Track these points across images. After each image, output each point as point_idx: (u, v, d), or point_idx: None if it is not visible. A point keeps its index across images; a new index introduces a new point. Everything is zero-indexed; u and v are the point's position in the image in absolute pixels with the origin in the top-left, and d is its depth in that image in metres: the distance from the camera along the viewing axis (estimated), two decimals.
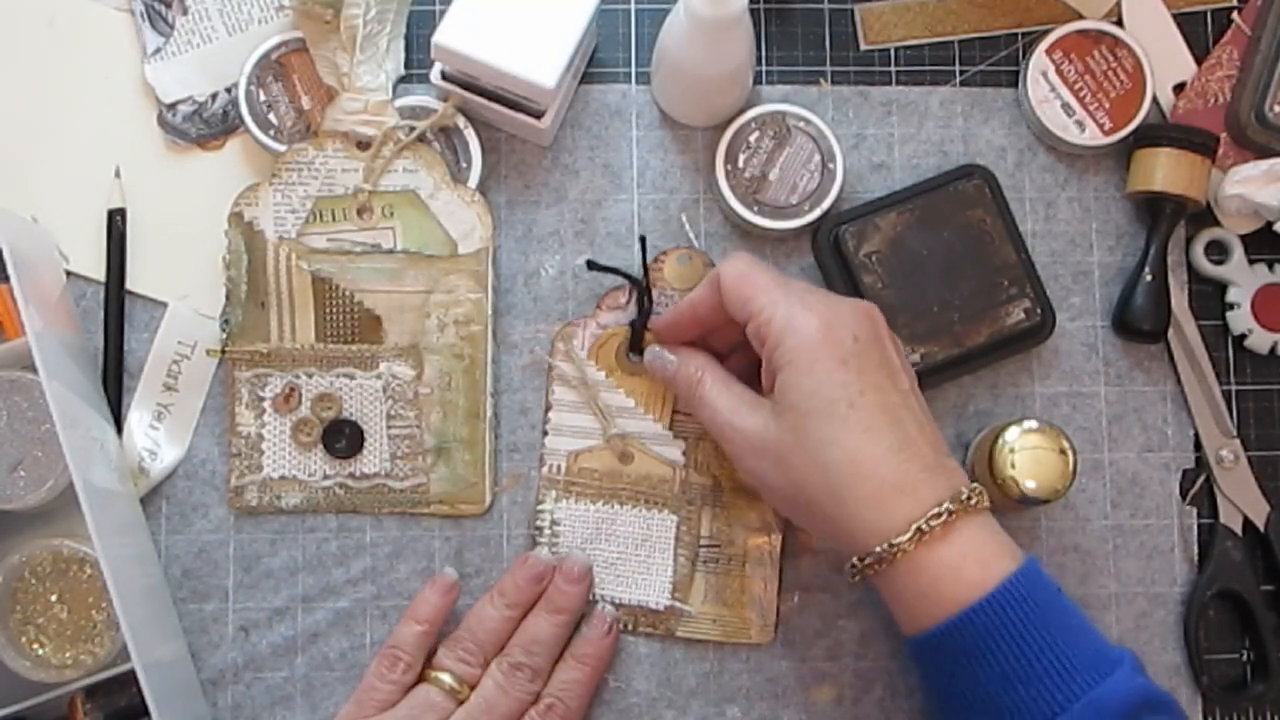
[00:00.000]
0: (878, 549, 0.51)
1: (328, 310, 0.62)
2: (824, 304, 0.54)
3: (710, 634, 0.62)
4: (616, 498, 0.62)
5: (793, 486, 0.53)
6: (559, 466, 0.62)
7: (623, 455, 0.62)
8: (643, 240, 0.62)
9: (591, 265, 0.63)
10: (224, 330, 0.62)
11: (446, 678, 0.58)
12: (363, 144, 0.62)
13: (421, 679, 0.59)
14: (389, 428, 0.62)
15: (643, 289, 0.62)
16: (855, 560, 0.52)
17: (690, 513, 0.62)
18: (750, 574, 0.62)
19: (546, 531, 0.62)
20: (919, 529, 0.51)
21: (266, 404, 0.62)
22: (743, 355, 0.59)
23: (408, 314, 0.62)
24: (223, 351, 0.62)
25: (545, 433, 0.62)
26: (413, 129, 0.62)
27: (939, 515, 0.51)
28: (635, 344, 0.62)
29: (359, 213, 0.61)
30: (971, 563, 0.51)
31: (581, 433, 0.62)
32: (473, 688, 0.59)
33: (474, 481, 0.62)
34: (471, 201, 0.62)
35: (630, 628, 0.62)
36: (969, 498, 0.52)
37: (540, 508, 0.62)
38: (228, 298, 0.62)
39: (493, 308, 0.62)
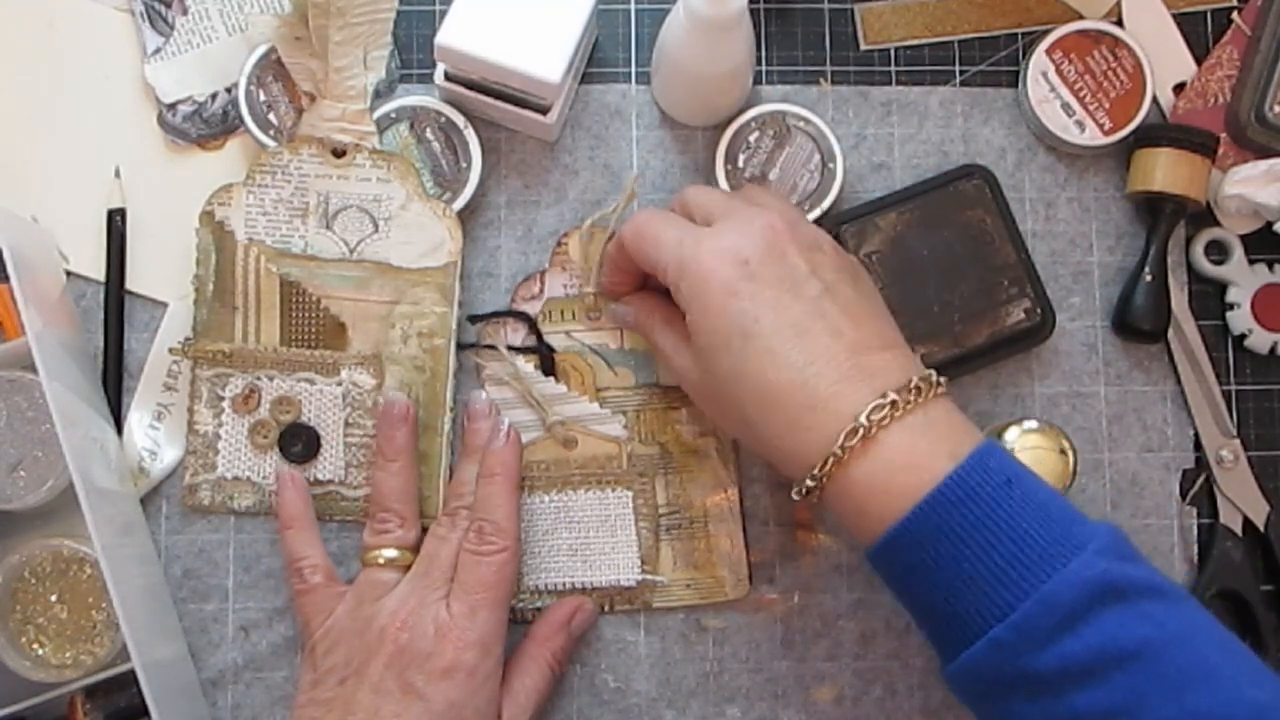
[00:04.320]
0: (805, 483, 0.50)
1: (293, 314, 0.62)
2: (715, 236, 0.53)
3: (686, 599, 0.62)
4: (569, 484, 0.62)
5: (725, 421, 0.55)
6: None
7: (566, 441, 0.62)
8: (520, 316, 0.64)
9: (474, 319, 0.63)
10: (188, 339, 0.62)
11: (381, 553, 0.58)
12: (338, 151, 0.62)
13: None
14: (346, 435, 0.62)
15: (532, 323, 0.63)
16: (794, 492, 0.51)
17: (644, 485, 0.62)
18: (714, 532, 0.62)
19: None
20: (832, 454, 0.48)
21: (226, 404, 0.62)
22: None
23: (372, 323, 0.62)
24: (184, 350, 0.62)
25: None
26: (382, 138, 0.63)
27: (855, 430, 0.48)
28: (547, 368, 0.62)
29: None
30: (899, 471, 0.48)
31: (520, 427, 0.62)
32: (413, 550, 0.59)
33: (427, 495, 0.62)
34: (442, 215, 0.62)
35: (608, 608, 0.62)
36: (895, 401, 0.48)
37: None
38: (194, 296, 0.62)
39: (457, 322, 0.62)
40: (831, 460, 0.49)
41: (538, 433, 0.62)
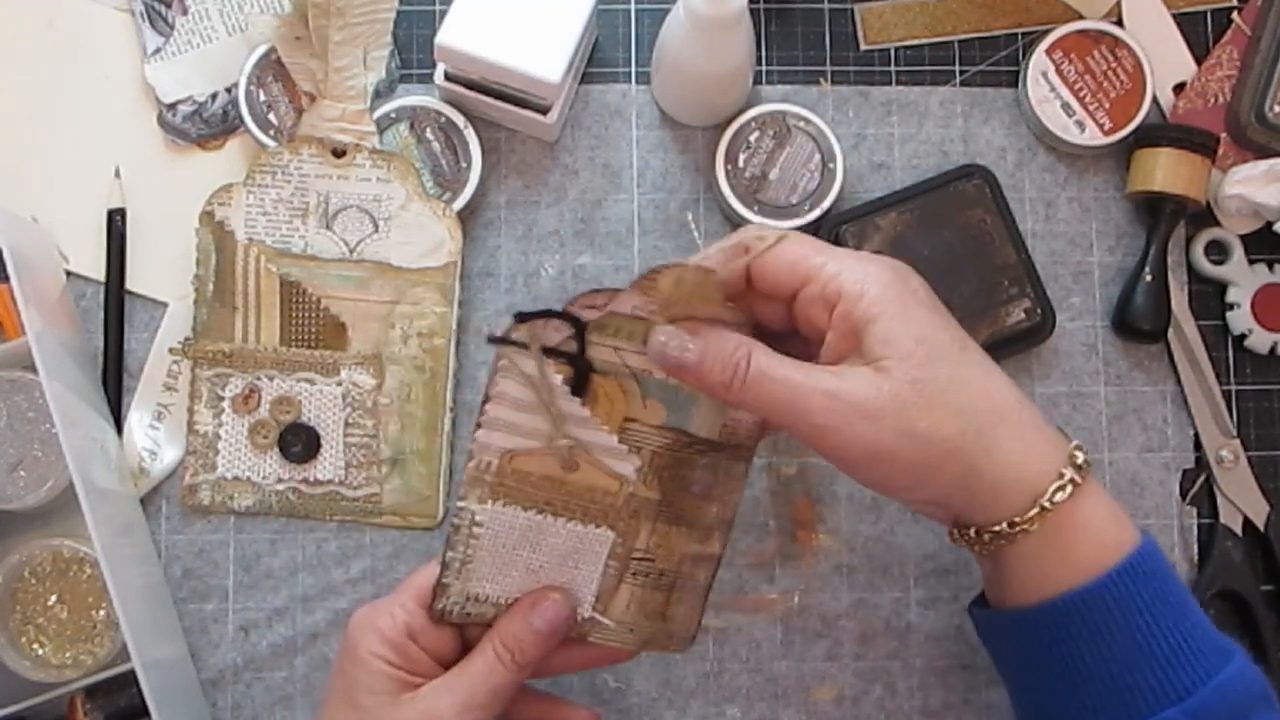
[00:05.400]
0: (1029, 512, 0.46)
1: (293, 314, 0.62)
2: (875, 259, 0.49)
3: (626, 641, 0.55)
4: (551, 507, 0.53)
5: (922, 445, 0.46)
6: (489, 464, 0.52)
7: (567, 463, 0.53)
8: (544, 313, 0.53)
9: (520, 316, 0.52)
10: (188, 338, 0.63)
11: None
12: (338, 151, 0.62)
13: None
14: (346, 435, 0.62)
15: (580, 330, 0.53)
16: (1005, 524, 0.47)
17: (629, 527, 0.54)
18: (679, 592, 0.55)
19: (465, 533, 0.52)
20: (1070, 479, 0.46)
21: (226, 404, 0.62)
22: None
23: (372, 323, 0.62)
24: (184, 350, 0.62)
25: (479, 425, 0.52)
26: (382, 138, 0.62)
27: (1076, 464, 0.46)
28: (579, 386, 0.53)
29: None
30: (1106, 524, 0.47)
31: (521, 431, 0.52)
32: None
33: (427, 495, 0.62)
34: (443, 215, 0.62)
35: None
36: (1084, 450, 0.48)
37: (461, 506, 0.52)
38: (194, 296, 0.62)
39: (457, 322, 0.62)
40: (1070, 488, 0.46)
41: (539, 443, 0.53)
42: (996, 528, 0.47)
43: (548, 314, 0.53)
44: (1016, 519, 0.46)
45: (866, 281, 0.47)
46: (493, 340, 0.53)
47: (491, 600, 0.54)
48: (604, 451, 0.54)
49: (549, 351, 0.53)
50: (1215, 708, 0.45)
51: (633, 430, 0.54)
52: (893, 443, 0.46)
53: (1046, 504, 0.46)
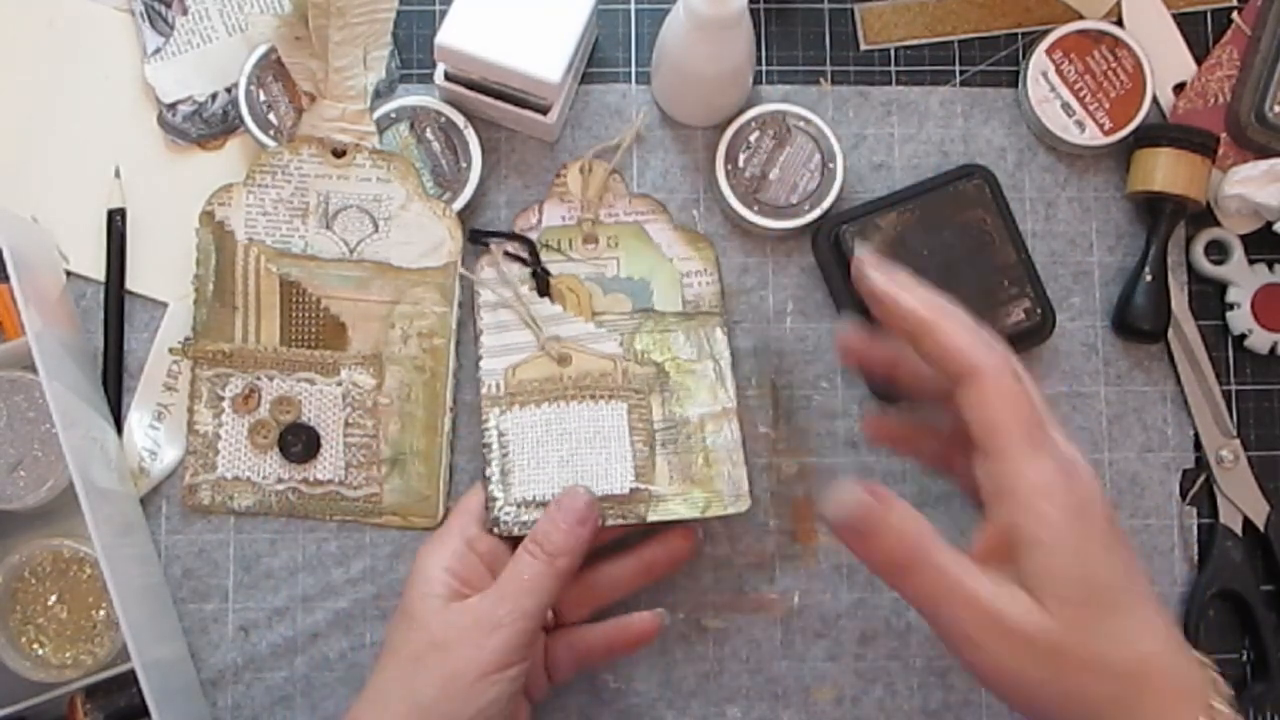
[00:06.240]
0: None
1: (293, 314, 0.62)
2: (1069, 467, 0.45)
3: (682, 512, 0.59)
4: (561, 398, 0.61)
5: (1064, 691, 0.43)
6: (497, 385, 0.61)
7: (560, 358, 0.61)
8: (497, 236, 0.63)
9: (475, 235, 0.63)
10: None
11: None
12: (338, 151, 0.62)
13: None
14: (346, 435, 0.62)
15: (532, 246, 0.62)
16: None
17: (639, 400, 0.61)
18: (713, 446, 0.60)
19: (495, 446, 0.60)
20: None
21: (226, 404, 0.62)
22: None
23: (372, 323, 0.62)
24: (184, 350, 0.62)
25: (480, 357, 0.61)
26: (382, 138, 0.63)
27: (1214, 706, 0.43)
28: (543, 289, 0.62)
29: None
30: None
31: (514, 348, 0.61)
32: None
33: (427, 495, 0.62)
34: (443, 215, 0.62)
35: (600, 521, 0.58)
36: (1227, 686, 0.45)
37: (485, 425, 0.61)
38: (194, 296, 0.62)
39: (457, 322, 0.62)
40: None
41: (532, 351, 0.61)
42: None
43: (500, 235, 0.62)
44: None
45: (1043, 496, 0.44)
46: (468, 275, 0.61)
47: (540, 504, 0.59)
48: (587, 338, 0.62)
49: (512, 256, 0.62)
50: None
51: (606, 320, 0.62)
52: (1036, 683, 0.44)
53: None
